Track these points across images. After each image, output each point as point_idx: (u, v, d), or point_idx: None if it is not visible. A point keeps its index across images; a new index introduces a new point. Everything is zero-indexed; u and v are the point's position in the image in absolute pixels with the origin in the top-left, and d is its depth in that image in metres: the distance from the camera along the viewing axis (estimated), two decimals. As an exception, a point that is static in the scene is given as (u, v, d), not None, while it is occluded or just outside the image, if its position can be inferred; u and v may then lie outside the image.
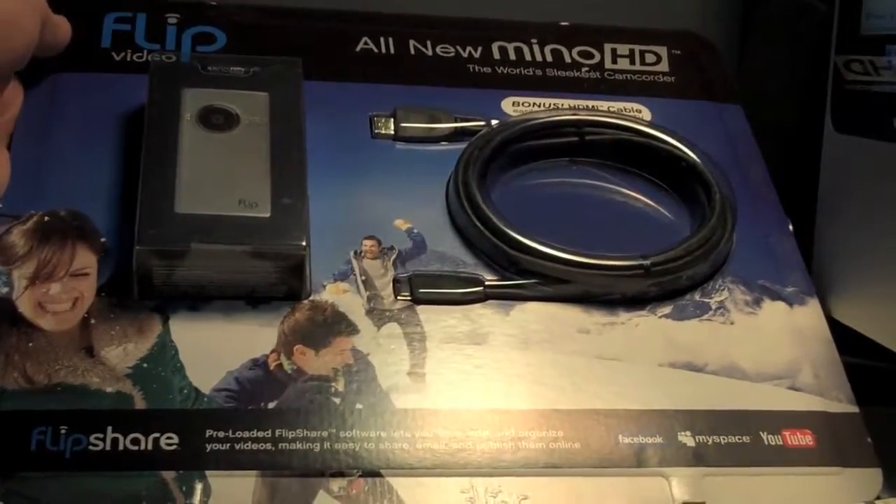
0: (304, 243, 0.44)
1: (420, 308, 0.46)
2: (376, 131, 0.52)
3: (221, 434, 0.40)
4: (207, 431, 0.40)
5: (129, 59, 0.52)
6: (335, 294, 0.46)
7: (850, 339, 0.51)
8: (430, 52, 0.56)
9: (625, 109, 0.56)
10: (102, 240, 0.45)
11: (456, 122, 0.53)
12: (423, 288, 0.46)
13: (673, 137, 0.53)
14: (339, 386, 0.43)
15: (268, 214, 0.44)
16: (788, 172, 0.58)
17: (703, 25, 0.62)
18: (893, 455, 0.45)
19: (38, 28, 0.46)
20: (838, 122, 0.54)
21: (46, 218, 0.45)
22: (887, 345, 0.49)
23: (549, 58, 0.58)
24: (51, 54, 0.49)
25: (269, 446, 0.40)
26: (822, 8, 0.57)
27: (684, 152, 0.52)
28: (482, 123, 0.53)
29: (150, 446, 0.40)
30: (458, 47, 0.57)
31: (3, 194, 0.45)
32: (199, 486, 0.39)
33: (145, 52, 0.53)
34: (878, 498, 0.44)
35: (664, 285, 0.48)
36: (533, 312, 0.47)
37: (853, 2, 0.53)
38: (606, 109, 0.55)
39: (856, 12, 0.53)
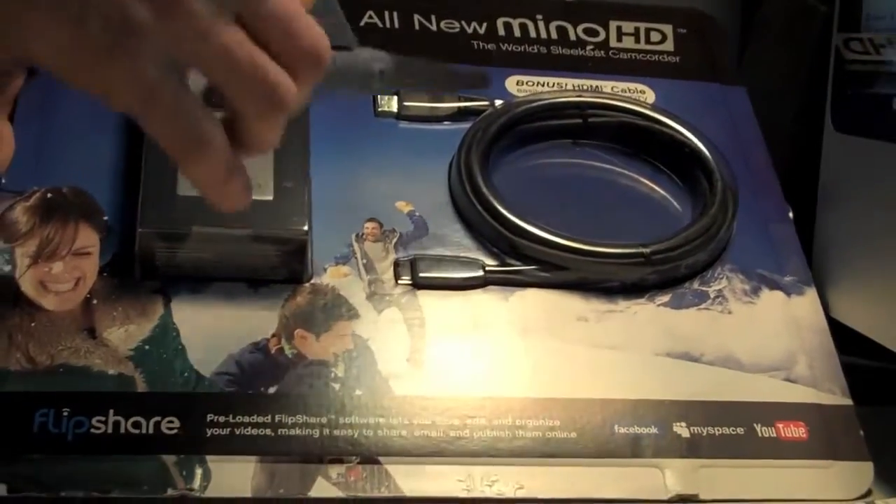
0: (305, 227, 0.44)
1: (420, 293, 0.46)
2: (380, 109, 0.52)
3: (222, 419, 0.41)
4: (208, 416, 0.41)
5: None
6: (336, 277, 0.46)
7: (850, 338, 0.51)
8: (434, 28, 0.56)
9: (629, 90, 0.55)
10: (104, 218, 0.45)
11: (460, 101, 0.53)
12: (424, 272, 0.47)
13: (677, 122, 0.53)
14: (339, 371, 0.43)
15: (270, 197, 0.44)
16: (788, 172, 0.58)
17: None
18: (893, 455, 0.46)
19: None
20: (838, 122, 0.54)
21: (49, 195, 0.45)
22: (887, 344, 0.49)
23: (553, 35, 0.57)
24: None
25: (268, 432, 0.41)
26: (822, 8, 0.57)
27: (688, 138, 0.52)
28: (486, 103, 0.53)
29: (151, 430, 0.40)
30: (463, 22, 0.57)
31: (6, 169, 0.45)
32: (199, 471, 0.40)
33: (149, 24, 0.52)
34: (868, 494, 0.44)
35: (663, 273, 0.48)
36: (532, 299, 0.47)
37: (853, 2, 0.53)
38: (610, 90, 0.55)
39: (856, 12, 0.53)
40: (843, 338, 0.50)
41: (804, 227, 0.54)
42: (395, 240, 0.47)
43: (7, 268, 0.43)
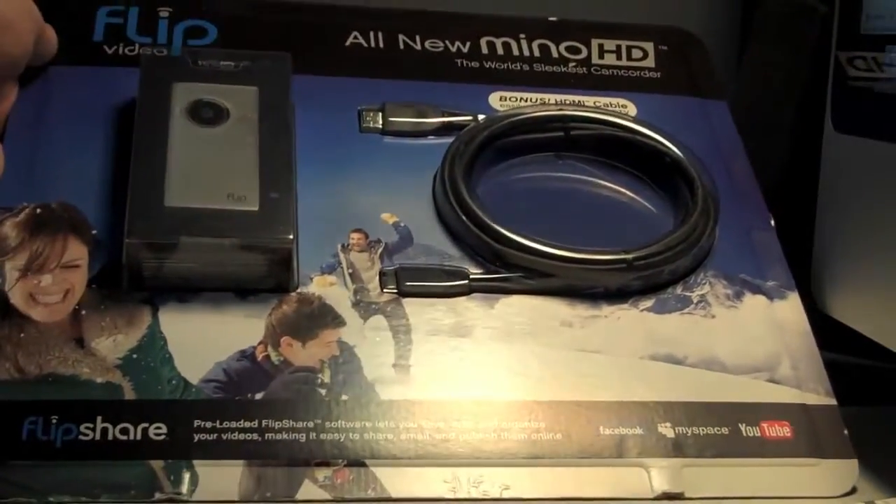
0: (290, 236, 0.45)
1: (406, 301, 0.47)
2: (364, 125, 0.53)
3: (209, 424, 0.41)
4: (195, 421, 0.41)
5: (121, 52, 0.53)
6: (322, 286, 0.46)
7: (842, 338, 0.51)
8: (418, 47, 0.57)
9: (610, 104, 0.56)
10: (93, 232, 0.46)
11: (443, 116, 0.53)
12: (409, 281, 0.47)
13: (657, 133, 0.53)
14: (326, 377, 0.43)
15: (256, 208, 0.45)
16: (788, 172, 0.58)
17: (703, 25, 0.62)
18: (892, 455, 0.46)
19: (33, 38, 0.47)
20: (838, 122, 0.54)
21: (38, 210, 0.46)
22: (887, 344, 0.49)
23: (536, 53, 0.58)
24: (38, 64, 0.50)
25: (255, 436, 0.41)
26: (822, 8, 0.57)
27: (668, 148, 0.53)
28: (469, 118, 0.53)
29: (139, 436, 0.41)
30: (447, 42, 0.58)
31: None
32: (186, 476, 0.40)
33: (137, 45, 0.53)
34: (852, 492, 0.44)
35: (646, 279, 0.49)
36: (517, 305, 0.47)
37: (853, 2, 0.53)
38: (592, 104, 0.56)
39: (856, 12, 0.53)
40: (835, 336, 0.50)
41: (804, 228, 0.55)
42: (380, 250, 0.48)
43: (-4, 281, 0.44)
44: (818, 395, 0.47)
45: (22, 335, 0.42)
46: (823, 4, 0.58)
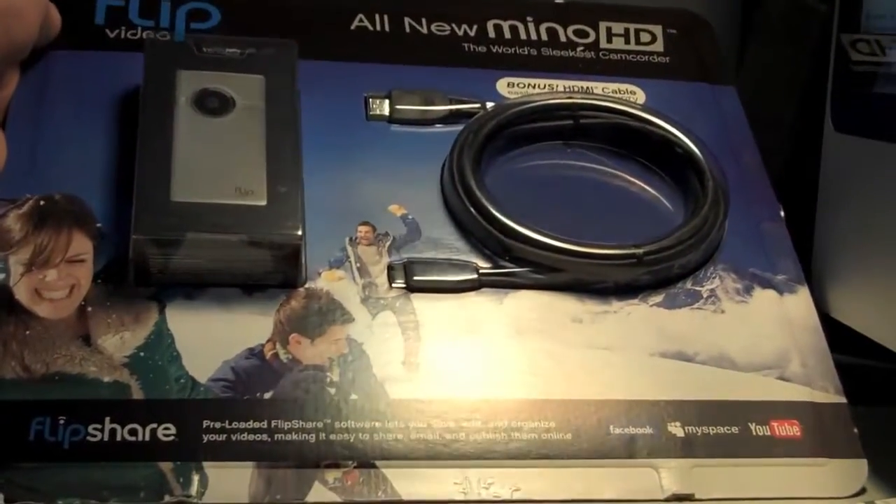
0: (299, 232, 0.44)
1: (414, 296, 0.46)
2: (371, 113, 0.52)
3: (218, 425, 0.41)
4: (204, 422, 0.41)
5: (122, 36, 0.52)
6: (330, 281, 0.46)
7: (845, 338, 0.51)
8: (425, 31, 0.56)
9: (619, 91, 0.56)
10: (98, 225, 0.45)
11: (451, 104, 0.53)
12: (418, 275, 0.47)
13: (668, 122, 0.53)
14: (335, 376, 0.43)
15: (264, 202, 0.44)
16: (788, 172, 0.58)
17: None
18: (893, 455, 0.46)
19: (40, 21, 0.46)
20: (838, 122, 0.54)
21: (42, 202, 0.45)
22: (887, 344, 0.49)
23: (544, 36, 0.57)
24: (41, 45, 0.49)
25: (265, 437, 0.41)
26: (822, 8, 0.57)
27: (679, 138, 0.52)
28: (477, 105, 0.53)
29: (147, 437, 0.40)
30: (454, 25, 0.57)
31: None
32: (195, 478, 0.40)
33: (139, 28, 0.52)
34: (862, 492, 0.44)
35: (656, 273, 0.48)
36: (527, 301, 0.47)
37: (853, 1, 0.53)
38: (601, 91, 0.55)
39: (856, 12, 0.53)
40: (839, 337, 0.50)
41: (804, 227, 0.55)
42: (388, 243, 0.48)
43: (1, 276, 0.43)
44: (828, 393, 0.47)
45: (28, 332, 0.42)
46: (823, 4, 0.57)
